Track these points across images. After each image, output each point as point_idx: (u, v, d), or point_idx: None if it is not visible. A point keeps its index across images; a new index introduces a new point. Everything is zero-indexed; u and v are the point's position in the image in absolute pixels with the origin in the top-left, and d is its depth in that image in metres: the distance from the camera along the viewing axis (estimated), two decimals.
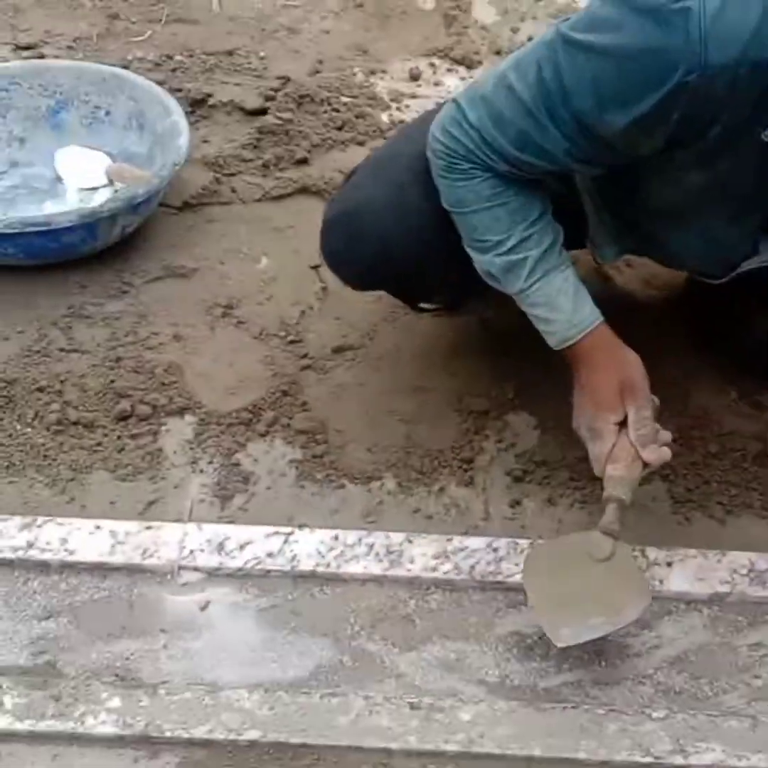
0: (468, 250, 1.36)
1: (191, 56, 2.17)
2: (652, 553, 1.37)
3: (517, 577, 1.34)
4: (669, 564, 1.36)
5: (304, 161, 1.97)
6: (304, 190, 1.92)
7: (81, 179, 1.88)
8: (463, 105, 1.28)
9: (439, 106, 1.39)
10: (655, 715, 1.23)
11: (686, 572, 1.35)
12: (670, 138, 1.18)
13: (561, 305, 1.34)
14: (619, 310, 1.75)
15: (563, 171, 1.31)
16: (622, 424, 1.32)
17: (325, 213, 1.48)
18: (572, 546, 1.31)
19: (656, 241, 1.44)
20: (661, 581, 1.34)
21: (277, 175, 1.95)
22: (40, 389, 1.54)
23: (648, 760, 1.19)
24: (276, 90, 2.08)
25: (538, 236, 1.32)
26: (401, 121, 2.08)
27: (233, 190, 1.91)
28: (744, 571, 1.35)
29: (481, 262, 1.34)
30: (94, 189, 1.87)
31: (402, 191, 1.39)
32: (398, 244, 1.38)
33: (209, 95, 2.07)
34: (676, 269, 1.61)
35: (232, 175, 1.94)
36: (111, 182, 1.87)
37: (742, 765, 1.19)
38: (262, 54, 2.20)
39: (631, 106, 1.15)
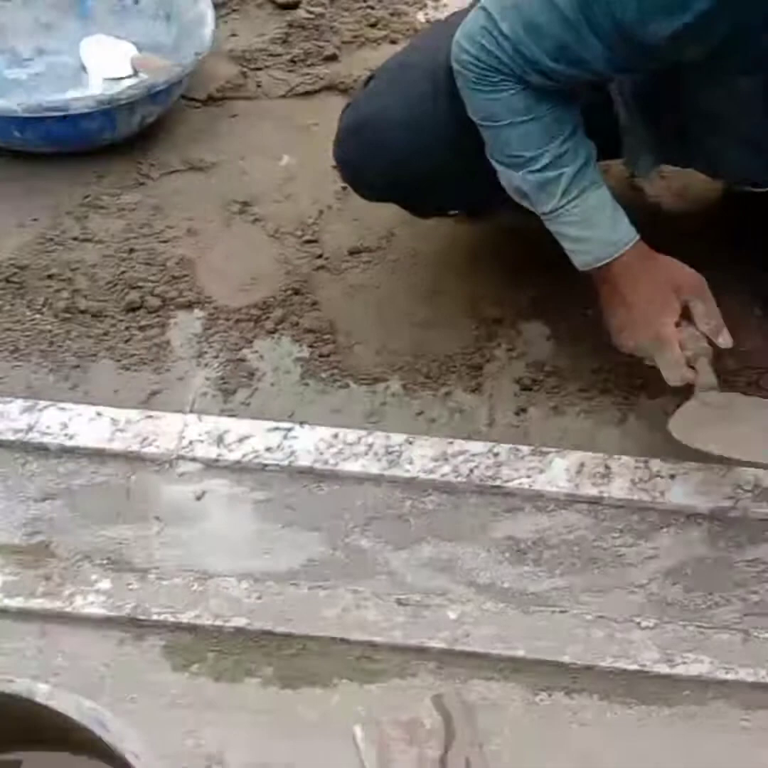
0: (496, 165, 1.31)
1: None
2: (656, 465, 1.34)
3: (516, 483, 1.32)
4: (672, 476, 1.33)
5: (333, 58, 1.92)
6: (330, 88, 1.88)
7: (106, 69, 1.86)
8: (494, 13, 1.21)
9: (466, 10, 1.33)
10: (644, 624, 1.22)
11: (689, 485, 1.32)
12: (718, 44, 1.12)
13: (597, 223, 1.30)
14: (647, 222, 1.71)
15: (601, 80, 1.26)
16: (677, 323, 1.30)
17: (340, 120, 1.45)
18: (697, 411, 1.31)
19: (698, 148, 1.39)
20: (661, 493, 1.31)
21: (305, 71, 1.90)
22: (51, 276, 1.54)
23: (633, 667, 1.18)
24: None
25: (573, 152, 1.27)
26: (437, 20, 2.01)
27: (259, 85, 1.88)
28: (748, 487, 1.32)
29: (512, 178, 1.30)
30: (119, 79, 1.85)
31: (418, 103, 1.34)
32: (411, 159, 1.34)
33: None
34: (718, 178, 1.55)
35: (259, 69, 1.90)
36: (136, 73, 1.85)
37: (729, 677, 1.18)
38: None
39: (677, 13, 1.08)
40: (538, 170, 1.27)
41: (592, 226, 1.30)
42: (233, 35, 1.96)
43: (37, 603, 1.20)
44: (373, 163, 1.38)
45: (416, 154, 1.34)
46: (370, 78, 1.45)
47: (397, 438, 1.37)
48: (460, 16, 1.40)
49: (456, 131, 1.31)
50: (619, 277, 1.31)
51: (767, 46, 1.12)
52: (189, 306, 1.53)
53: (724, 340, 1.30)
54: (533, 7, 1.18)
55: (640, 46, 1.14)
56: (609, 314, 1.35)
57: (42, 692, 0.81)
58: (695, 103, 1.29)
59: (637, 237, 1.31)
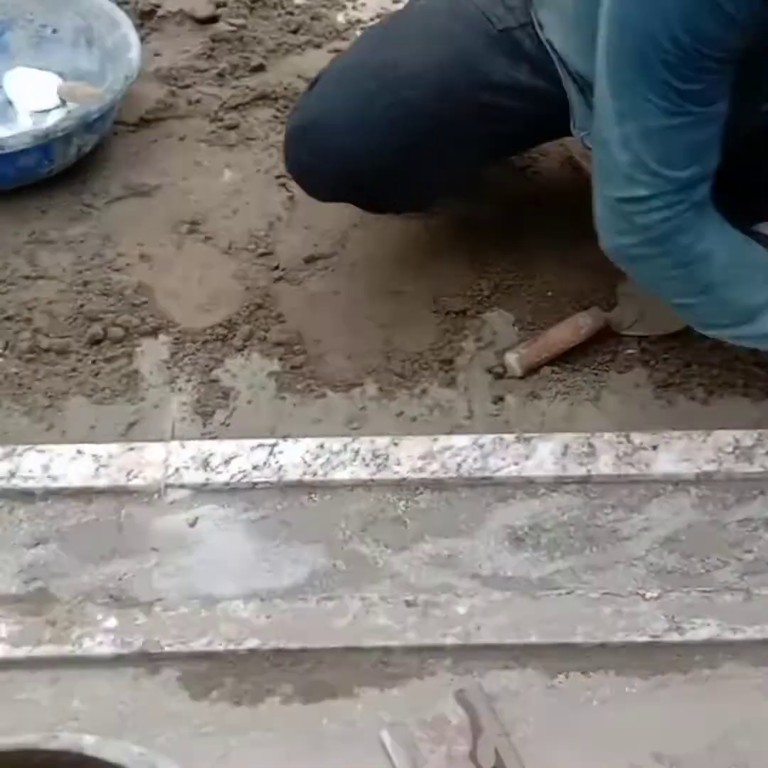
0: (721, 330, 1.26)
1: None
2: (638, 437, 1.37)
3: (505, 472, 1.34)
4: (654, 447, 1.35)
5: (260, 68, 1.91)
6: (263, 98, 1.86)
7: (32, 101, 1.83)
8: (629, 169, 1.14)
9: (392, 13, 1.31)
10: (648, 595, 1.24)
11: (672, 454, 1.35)
12: None
13: None
14: (589, 199, 1.74)
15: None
16: None
17: (287, 122, 1.44)
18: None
19: None
20: (647, 465, 1.34)
21: (234, 84, 1.89)
22: (9, 318, 1.51)
23: (644, 639, 1.20)
24: None
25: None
26: (358, 21, 2.02)
27: (190, 103, 1.86)
28: (729, 449, 1.35)
29: (758, 330, 1.23)
30: (47, 111, 1.81)
31: (366, 103, 1.33)
32: (363, 159, 1.34)
33: (157, 6, 2.00)
34: None
35: (188, 87, 1.88)
36: (64, 103, 1.82)
37: (737, 638, 1.21)
38: None
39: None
40: None
41: None
42: (157, 55, 1.94)
43: (45, 650, 1.18)
44: (324, 164, 1.38)
45: (366, 153, 1.34)
46: (315, 80, 1.44)
47: (382, 441, 1.37)
48: (392, 17, 1.40)
49: (406, 127, 1.31)
50: None
51: None
52: (153, 332, 1.52)
53: None
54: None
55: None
56: None
57: (89, 745, 0.80)
58: None
59: None
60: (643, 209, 1.16)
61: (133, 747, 0.80)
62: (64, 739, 0.80)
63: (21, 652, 1.18)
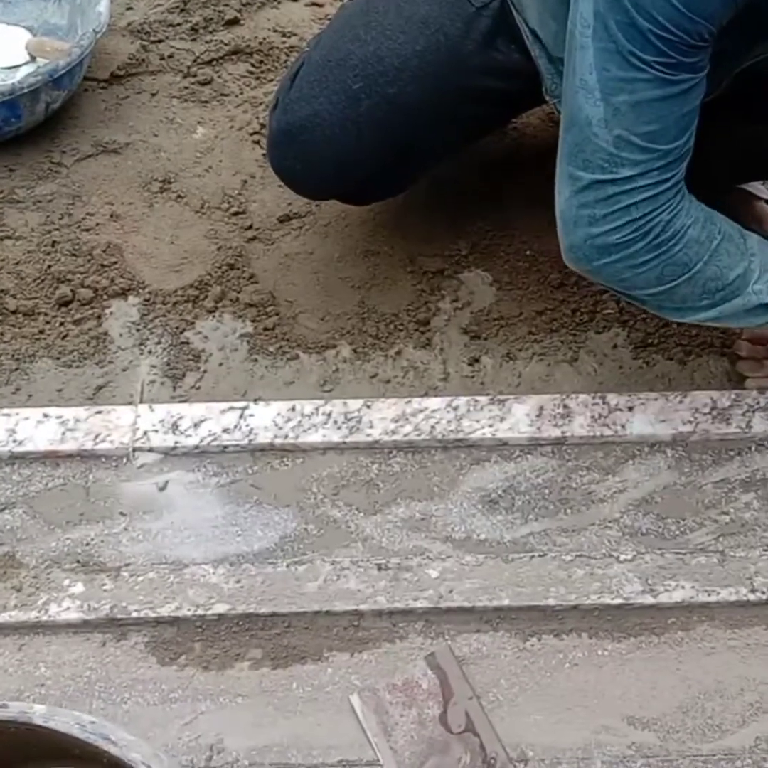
0: (699, 313, 1.19)
1: None
2: (613, 398, 1.35)
3: (479, 434, 1.32)
4: (630, 408, 1.34)
5: (235, 21, 1.86)
6: (236, 52, 1.82)
7: (0, 58, 1.78)
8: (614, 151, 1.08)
9: None
10: (622, 557, 1.23)
11: (648, 415, 1.33)
12: None
13: None
14: None
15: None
16: None
17: (270, 121, 1.39)
18: None
19: None
20: (622, 426, 1.32)
21: (208, 38, 1.84)
22: None
23: (617, 601, 1.19)
24: None
25: (749, 234, 1.20)
26: None
27: (162, 58, 1.81)
28: (706, 410, 1.33)
29: (738, 306, 1.18)
30: (16, 67, 1.77)
31: (351, 104, 1.31)
32: (351, 160, 1.32)
33: None
34: None
35: (160, 41, 1.84)
36: (33, 58, 1.77)
37: (711, 600, 1.20)
38: None
39: None
40: (758, 275, 1.17)
41: None
42: (129, 9, 1.89)
43: (10, 616, 1.16)
44: (312, 169, 1.36)
45: (354, 155, 1.32)
46: (295, 73, 1.39)
47: (355, 403, 1.35)
48: None
49: (398, 122, 1.29)
50: None
51: None
52: (123, 294, 1.49)
53: None
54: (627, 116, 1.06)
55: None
56: None
57: (39, 713, 0.78)
58: None
59: None
60: (628, 189, 1.11)
61: (85, 716, 0.78)
62: (13, 709, 0.79)
63: None
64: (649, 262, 1.14)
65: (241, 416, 1.33)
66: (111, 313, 1.47)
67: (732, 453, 1.32)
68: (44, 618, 1.16)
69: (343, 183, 1.39)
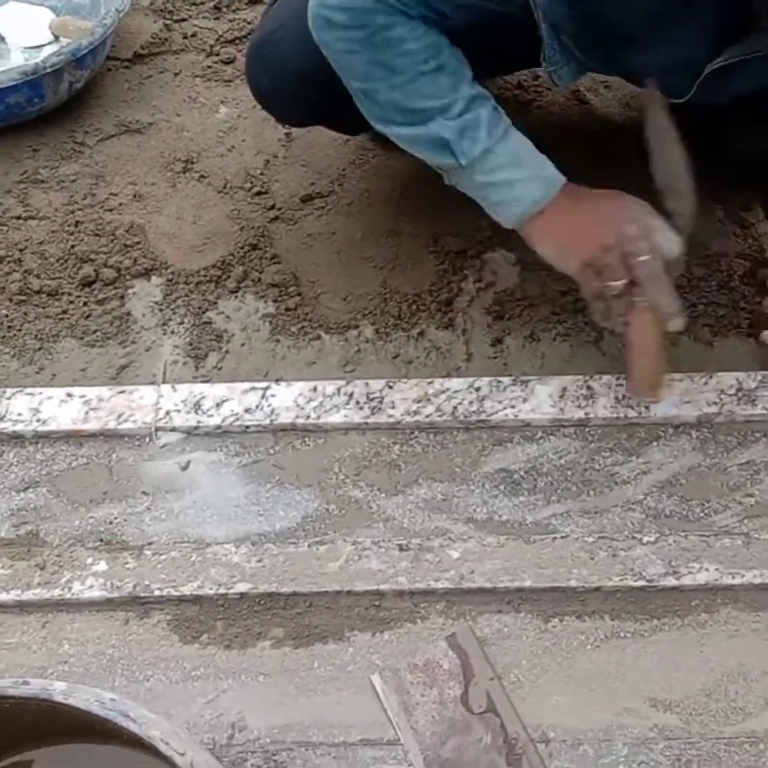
0: (393, 127, 1.23)
1: None
2: None
3: (501, 415, 1.31)
4: None
5: (257, 0, 1.86)
6: None
7: (24, 37, 1.79)
8: None
9: None
10: (646, 539, 1.22)
11: (672, 396, 1.32)
12: None
13: (528, 161, 1.22)
14: (598, 135, 1.69)
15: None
16: None
17: (247, 46, 1.41)
18: None
19: (616, 60, 1.35)
20: (647, 407, 1.31)
21: (230, 16, 1.85)
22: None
23: (640, 583, 1.18)
24: None
25: (484, 94, 1.22)
26: None
27: (185, 37, 1.82)
28: (732, 391, 1.32)
29: (422, 132, 1.22)
30: (40, 47, 1.78)
31: None
32: (315, 78, 1.28)
33: None
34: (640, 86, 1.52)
35: (183, 20, 1.84)
36: (57, 38, 1.78)
37: (736, 582, 1.19)
38: None
39: None
40: (456, 116, 1.20)
41: (523, 164, 1.22)
42: None
43: (34, 593, 1.17)
44: (282, 86, 1.36)
45: (316, 71, 1.27)
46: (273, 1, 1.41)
47: (377, 384, 1.35)
48: None
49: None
50: (555, 217, 1.22)
51: None
52: (146, 274, 1.49)
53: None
54: None
55: None
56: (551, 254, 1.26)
57: (60, 690, 0.78)
58: (605, 20, 1.24)
59: (565, 179, 1.23)
60: None
61: (105, 693, 0.79)
62: (34, 685, 0.79)
63: (10, 596, 1.17)
64: (359, 53, 1.19)
65: (263, 396, 1.33)
66: (134, 293, 1.47)
67: (758, 435, 1.31)
68: (68, 596, 1.17)
69: (307, 94, 1.35)
